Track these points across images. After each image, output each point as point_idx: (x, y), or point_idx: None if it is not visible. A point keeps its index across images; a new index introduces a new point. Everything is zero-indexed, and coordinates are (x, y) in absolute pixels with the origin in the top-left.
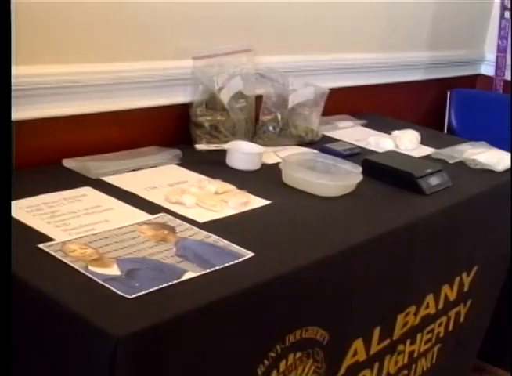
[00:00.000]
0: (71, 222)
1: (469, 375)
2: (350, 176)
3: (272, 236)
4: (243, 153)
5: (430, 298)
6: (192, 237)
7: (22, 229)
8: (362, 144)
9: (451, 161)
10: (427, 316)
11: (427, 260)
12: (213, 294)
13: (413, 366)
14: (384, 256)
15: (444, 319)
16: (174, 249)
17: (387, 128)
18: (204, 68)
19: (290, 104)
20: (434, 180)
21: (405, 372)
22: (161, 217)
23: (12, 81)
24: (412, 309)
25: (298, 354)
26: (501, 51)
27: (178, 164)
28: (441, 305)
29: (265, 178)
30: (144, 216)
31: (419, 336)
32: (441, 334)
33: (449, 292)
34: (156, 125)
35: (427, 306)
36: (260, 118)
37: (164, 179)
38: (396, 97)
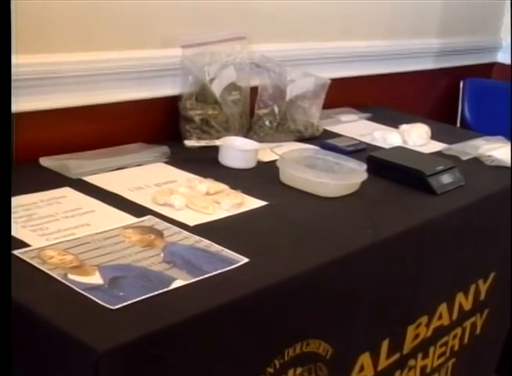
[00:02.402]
0: (49, 226)
1: None
2: (354, 175)
3: (269, 240)
4: (237, 150)
5: (443, 308)
6: (181, 242)
7: None
8: (367, 139)
9: (464, 158)
10: (440, 328)
11: (439, 266)
12: (204, 304)
13: None
14: (392, 262)
15: (459, 330)
16: (162, 255)
17: (394, 122)
18: (194, 57)
19: (288, 96)
20: (445, 178)
21: None
22: (148, 220)
23: None
24: (424, 319)
25: (299, 370)
26: None
27: (165, 163)
28: (455, 316)
29: (260, 178)
30: (129, 219)
31: (431, 349)
32: (456, 348)
33: (464, 301)
34: (141, 120)
35: (440, 317)
36: (255, 112)
37: (150, 179)
38: (404, 88)
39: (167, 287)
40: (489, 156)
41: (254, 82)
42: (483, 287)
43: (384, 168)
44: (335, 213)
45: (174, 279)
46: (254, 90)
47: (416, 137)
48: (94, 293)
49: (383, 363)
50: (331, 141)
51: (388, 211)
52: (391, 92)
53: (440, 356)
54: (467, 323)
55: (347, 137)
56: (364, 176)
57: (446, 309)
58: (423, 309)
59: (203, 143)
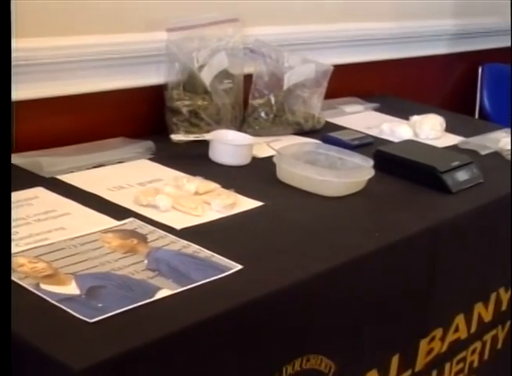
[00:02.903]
0: (19, 231)
1: None
2: (359, 171)
3: (265, 244)
4: (230, 145)
5: (460, 320)
6: (167, 247)
7: None
8: (374, 132)
9: (483, 152)
10: (456, 342)
11: (455, 273)
12: (192, 317)
13: None
14: (402, 268)
15: (478, 344)
16: (146, 262)
17: (404, 113)
18: (181, 42)
19: (286, 85)
20: (461, 175)
21: None
22: (130, 223)
23: None
24: (439, 332)
25: None
26: None
27: (150, 159)
28: (474, 328)
29: (255, 175)
30: (109, 222)
31: (447, 366)
32: (475, 364)
33: (484, 312)
34: (123, 112)
35: (457, 329)
36: (249, 102)
37: (133, 177)
38: (415, 75)
39: (152, 297)
40: (511, 150)
41: (248, 69)
42: (505, 296)
43: (393, 164)
44: (338, 214)
45: (159, 288)
46: (248, 78)
47: (428, 129)
48: (69, 304)
49: None
50: (334, 134)
51: (397, 212)
52: (400, 80)
53: (457, 374)
54: (487, 337)
55: (351, 130)
56: (371, 173)
57: (463, 320)
58: (438, 321)
59: (191, 138)
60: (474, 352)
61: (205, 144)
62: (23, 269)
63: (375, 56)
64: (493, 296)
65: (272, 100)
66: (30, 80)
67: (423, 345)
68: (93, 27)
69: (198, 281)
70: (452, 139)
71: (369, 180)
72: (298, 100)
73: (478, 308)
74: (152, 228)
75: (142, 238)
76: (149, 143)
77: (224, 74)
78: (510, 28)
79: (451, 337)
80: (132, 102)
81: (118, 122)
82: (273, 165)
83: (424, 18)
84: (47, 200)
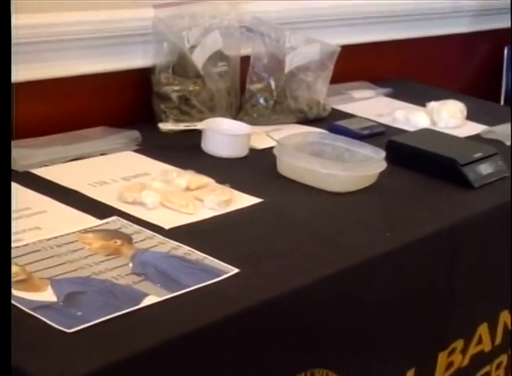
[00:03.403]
0: None
1: None
2: (369, 164)
3: (264, 246)
4: (225, 135)
5: (483, 330)
6: (154, 249)
7: None
8: (387, 121)
9: (509, 142)
10: (479, 355)
11: (478, 277)
12: (183, 326)
13: None
14: (418, 272)
15: (503, 358)
16: (131, 265)
17: (420, 99)
18: (170, 20)
19: (288, 68)
20: (485, 168)
21: None
22: (113, 222)
23: None
24: (459, 344)
25: None
26: None
27: (135, 151)
28: (499, 340)
29: (253, 169)
30: (89, 221)
31: None
32: None
33: (510, 321)
34: (105, 98)
35: (480, 341)
36: (247, 87)
37: (116, 171)
38: (433, 56)
39: (137, 304)
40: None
41: (245, 51)
42: None
43: (408, 155)
44: (346, 212)
45: (145, 294)
46: (245, 60)
47: (447, 117)
48: (45, 313)
49: None
50: (341, 123)
51: (412, 210)
52: (416, 62)
53: None
54: None
55: (361, 118)
56: (382, 166)
57: (487, 331)
58: (458, 332)
59: (181, 127)
60: (499, 366)
61: (197, 134)
62: None
63: (388, 36)
64: None
65: (272, 85)
66: None
67: (442, 358)
68: (72, 3)
69: (189, 286)
70: (475, 128)
71: (381, 174)
72: (301, 85)
73: (504, 316)
74: (138, 227)
75: (127, 239)
76: (135, 133)
77: (218, 56)
78: None
79: (473, 349)
80: (115, 87)
81: (100, 110)
82: (273, 157)
83: None
84: (20, 197)
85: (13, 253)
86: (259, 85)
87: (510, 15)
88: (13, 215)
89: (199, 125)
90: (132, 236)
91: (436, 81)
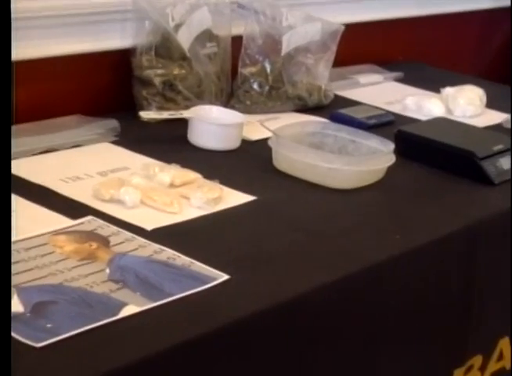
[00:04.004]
0: None
1: None
2: (376, 158)
3: (258, 249)
4: (214, 125)
5: (504, 344)
6: (134, 253)
7: None
8: (396, 109)
9: None
10: (500, 373)
11: (498, 284)
12: (166, 340)
13: None
14: (431, 279)
15: None
16: (108, 271)
17: (434, 84)
18: None
19: (285, 49)
20: (506, 162)
21: None
22: (88, 222)
23: None
24: (478, 360)
25: None
26: None
27: (113, 142)
28: None
29: (246, 163)
30: (61, 221)
31: None
32: None
33: None
34: (79, 83)
35: (501, 357)
36: (239, 71)
37: (92, 165)
38: (449, 36)
39: (115, 315)
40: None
41: (237, 30)
42: None
43: (420, 148)
44: (350, 211)
45: (124, 304)
46: (236, 41)
47: (465, 104)
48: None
49: None
50: (345, 111)
51: (425, 209)
52: (430, 42)
53: None
54: None
55: (367, 105)
56: (391, 160)
57: (509, 345)
58: (477, 346)
59: (165, 115)
60: None
61: (183, 124)
62: None
63: (398, 13)
64: None
65: (268, 68)
66: None
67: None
68: None
69: (173, 295)
70: (495, 117)
71: (389, 168)
72: (300, 68)
73: None
74: (115, 229)
75: (103, 241)
76: (113, 122)
77: (206, 36)
78: None
79: (493, 366)
80: (91, 70)
81: (73, 96)
82: (268, 150)
83: None
84: None
85: None
86: (253, 69)
87: None
88: None
89: (185, 114)
90: (109, 239)
91: (452, 64)
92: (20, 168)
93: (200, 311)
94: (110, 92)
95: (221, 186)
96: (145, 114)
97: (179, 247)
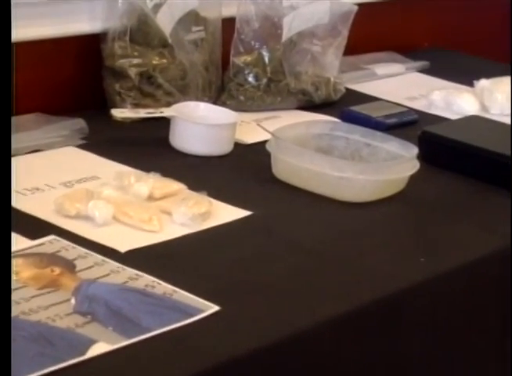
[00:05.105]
0: None
1: None
2: (396, 165)
3: (254, 275)
4: (201, 125)
5: None
6: (105, 279)
7: None
8: (420, 105)
9: None
10: None
11: None
12: None
13: None
14: (462, 311)
15: None
16: (73, 301)
17: (466, 75)
18: None
19: (287, 34)
20: None
21: None
22: (49, 243)
23: None
24: None
25: None
26: None
27: (80, 146)
28: None
29: (240, 171)
30: (17, 242)
31: None
32: None
33: None
34: (38, 75)
35: None
36: (231, 60)
37: (55, 174)
38: (483, 18)
39: (82, 354)
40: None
41: (229, 11)
42: None
43: (449, 152)
44: (364, 230)
45: (93, 341)
46: (228, 24)
47: (503, 100)
48: None
49: None
50: (359, 108)
51: (455, 226)
52: (461, 25)
53: None
54: None
55: (386, 102)
56: (414, 167)
57: None
58: None
59: (143, 114)
60: None
61: (164, 124)
62: None
63: None
64: None
65: (266, 57)
66: None
67: None
68: None
69: (152, 330)
70: None
71: (412, 178)
72: (305, 57)
73: None
74: (83, 250)
75: (68, 266)
76: (79, 122)
77: (192, 18)
78: None
79: None
80: (52, 60)
81: (31, 91)
82: (267, 155)
83: None
84: None
85: None
86: (247, 58)
87: None
88: None
89: (166, 112)
90: (75, 263)
91: (487, 51)
92: None
93: (184, 349)
94: (76, 86)
95: (209, 198)
96: (118, 112)
97: (159, 273)
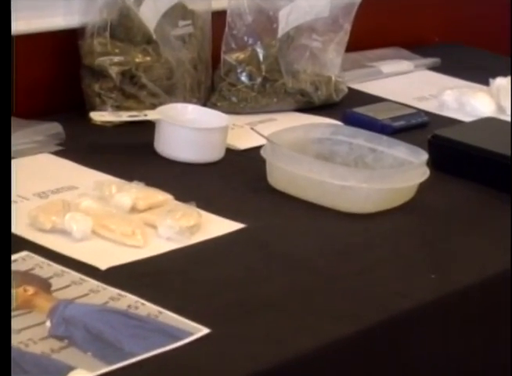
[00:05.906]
0: None
1: None
2: (404, 172)
3: (247, 294)
4: (189, 129)
5: None
6: (84, 300)
7: None
8: (430, 106)
9: None
10: None
11: None
12: None
13: None
14: (476, 332)
15: None
16: (49, 324)
17: (480, 73)
18: None
19: (283, 29)
20: None
21: None
22: (22, 260)
23: None
24: None
25: None
26: None
27: (56, 153)
28: None
29: (232, 179)
30: None
31: None
32: None
33: None
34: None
35: None
36: (222, 58)
37: (28, 184)
38: (498, 10)
39: None
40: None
41: (220, 3)
42: None
43: (461, 158)
44: (369, 243)
45: (70, 368)
46: (218, 18)
47: None
48: None
49: None
50: (363, 110)
51: (467, 239)
52: (475, 19)
53: None
54: None
55: (392, 102)
56: (424, 174)
57: None
58: None
59: (125, 117)
60: None
61: (149, 128)
62: None
63: None
64: None
65: (260, 54)
66: None
67: None
68: None
69: (136, 355)
70: None
71: (422, 186)
72: (303, 54)
73: None
74: (59, 268)
75: (43, 285)
76: (55, 126)
77: (178, 12)
78: None
79: None
80: (26, 58)
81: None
82: (261, 162)
83: None
84: None
85: None
86: (240, 55)
87: None
88: None
89: (150, 115)
90: (51, 281)
91: (504, 47)
92: None
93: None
94: (51, 87)
95: (198, 210)
96: (97, 116)
97: (143, 292)
